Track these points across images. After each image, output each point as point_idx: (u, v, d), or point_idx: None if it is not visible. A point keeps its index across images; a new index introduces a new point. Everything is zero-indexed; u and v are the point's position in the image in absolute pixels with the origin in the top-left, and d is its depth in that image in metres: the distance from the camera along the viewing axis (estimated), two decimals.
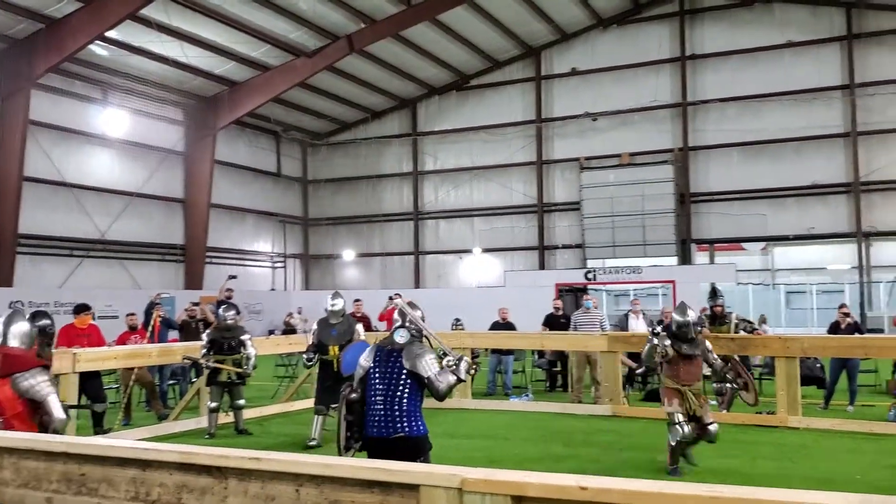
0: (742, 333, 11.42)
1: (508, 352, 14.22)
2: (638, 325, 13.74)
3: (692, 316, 8.12)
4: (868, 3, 26.38)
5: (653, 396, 13.29)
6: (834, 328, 12.70)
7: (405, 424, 5.20)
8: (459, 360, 5.50)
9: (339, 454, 5.43)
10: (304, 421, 11.18)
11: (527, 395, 13.49)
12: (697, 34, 29.33)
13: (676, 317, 8.08)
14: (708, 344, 8.25)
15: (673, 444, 7.90)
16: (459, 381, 5.43)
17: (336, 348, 9.66)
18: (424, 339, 5.60)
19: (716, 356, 8.30)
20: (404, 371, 5.28)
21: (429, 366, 5.28)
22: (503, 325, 14.58)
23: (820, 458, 8.72)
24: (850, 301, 26.08)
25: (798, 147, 27.39)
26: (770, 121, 27.61)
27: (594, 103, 30.24)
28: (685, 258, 29.03)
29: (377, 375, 5.34)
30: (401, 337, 5.42)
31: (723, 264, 28.27)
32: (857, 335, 12.29)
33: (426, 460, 5.16)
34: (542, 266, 31.03)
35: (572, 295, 25.41)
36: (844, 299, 26.47)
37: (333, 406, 9.52)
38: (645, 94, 29.45)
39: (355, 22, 26.13)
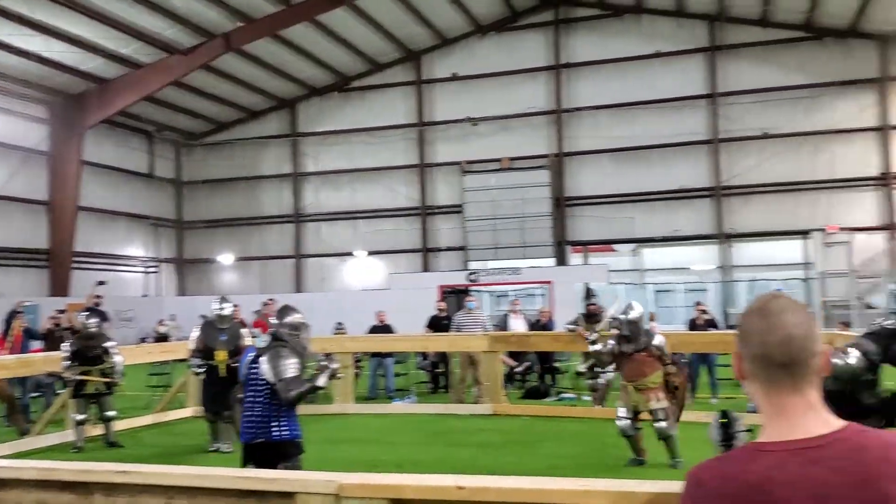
0: (613, 331, 11.82)
1: (388, 354, 14.22)
2: (517, 325, 14.04)
3: (636, 314, 8.26)
4: (728, 17, 27.96)
5: (532, 394, 13.67)
6: (692, 324, 13.43)
7: (266, 430, 5.20)
8: (325, 367, 5.49)
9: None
10: (180, 431, 10.84)
11: (410, 398, 13.55)
12: (571, 43, 30.27)
13: (621, 316, 8.28)
14: (659, 339, 8.27)
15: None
16: (316, 388, 5.43)
17: (224, 353, 9.48)
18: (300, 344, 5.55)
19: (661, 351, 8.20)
20: (262, 376, 5.28)
21: (282, 371, 5.20)
22: (381, 328, 14.59)
23: (686, 449, 9.14)
24: (713, 299, 27.58)
25: (665, 153, 28.71)
26: (639, 128, 28.81)
27: (475, 108, 30.70)
28: (561, 259, 29.91)
29: (248, 381, 5.38)
30: (262, 342, 5.44)
31: (596, 265, 29.28)
32: (713, 331, 13.02)
33: (293, 466, 5.09)
34: (425, 268, 31.23)
35: (456, 296, 25.70)
36: (708, 297, 27.90)
37: (226, 413, 9.38)
38: (523, 101, 30.16)
39: (232, 20, 25.51)
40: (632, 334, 8.17)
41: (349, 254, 32.32)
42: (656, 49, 29.04)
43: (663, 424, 7.96)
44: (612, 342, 8.34)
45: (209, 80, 29.09)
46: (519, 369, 14.52)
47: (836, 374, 4.92)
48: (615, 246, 31.12)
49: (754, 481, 1.52)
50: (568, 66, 30.19)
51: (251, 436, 5.26)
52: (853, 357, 4.85)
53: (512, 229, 29.88)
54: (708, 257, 29.31)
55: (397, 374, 14.85)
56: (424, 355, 15.18)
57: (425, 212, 31.60)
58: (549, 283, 26.89)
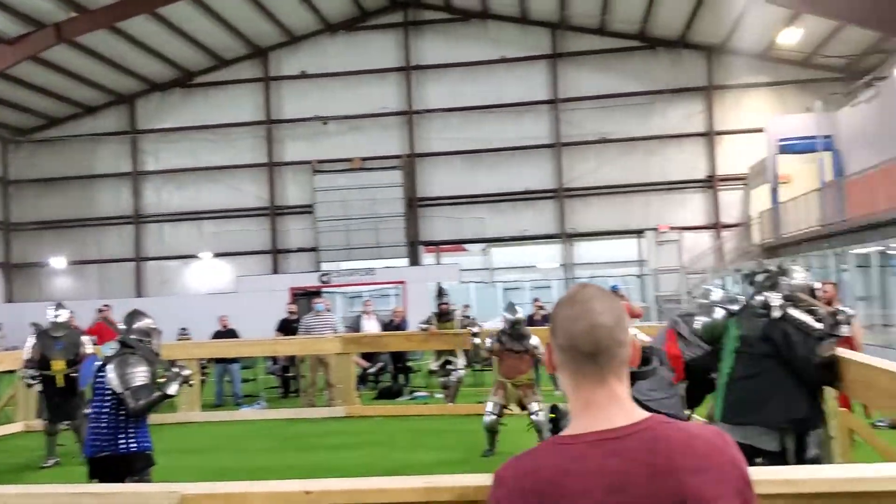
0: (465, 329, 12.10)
1: (234, 360, 13.85)
2: (370, 326, 14.06)
3: (519, 314, 8.56)
4: (568, 25, 29.17)
5: (385, 394, 13.73)
6: (530, 320, 13.98)
7: (112, 442, 4.96)
8: (175, 375, 5.28)
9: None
10: (7, 448, 10.12)
11: (259, 403, 13.27)
12: (421, 45, 30.62)
13: (508, 315, 8.55)
14: (535, 340, 8.56)
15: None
16: (166, 396, 5.22)
17: (62, 363, 8.96)
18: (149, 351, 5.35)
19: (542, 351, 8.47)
20: (108, 385, 5.04)
21: (128, 380, 4.97)
22: (225, 333, 14.20)
23: (533, 440, 9.50)
24: (556, 296, 28.59)
25: (512, 156, 29.60)
26: (488, 131, 29.55)
27: (325, 107, 30.43)
28: (414, 259, 30.20)
29: (94, 391, 5.16)
30: (109, 349, 5.19)
31: (448, 264, 29.78)
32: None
33: (141, 480, 4.87)
34: (275, 270, 30.64)
35: (308, 299, 25.38)
36: (552, 294, 29.03)
37: (66, 423, 8.91)
38: (374, 101, 30.20)
39: (65, 10, 24.00)
40: (522, 333, 8.52)
41: (194, 256, 31.19)
42: (502, 54, 29.87)
43: (541, 417, 8.33)
44: (490, 339, 8.67)
45: (39, 72, 27.22)
46: (372, 370, 14.54)
47: (706, 331, 5.38)
48: (466, 246, 31.76)
49: (549, 476, 1.49)
50: (418, 67, 30.51)
51: (97, 449, 4.99)
52: (719, 314, 5.43)
53: (365, 229, 29.86)
54: (552, 256, 30.49)
55: (245, 380, 14.51)
56: (274, 359, 14.91)
57: (275, 212, 31.00)
58: (402, 283, 27.10)
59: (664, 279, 28.34)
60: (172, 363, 5.53)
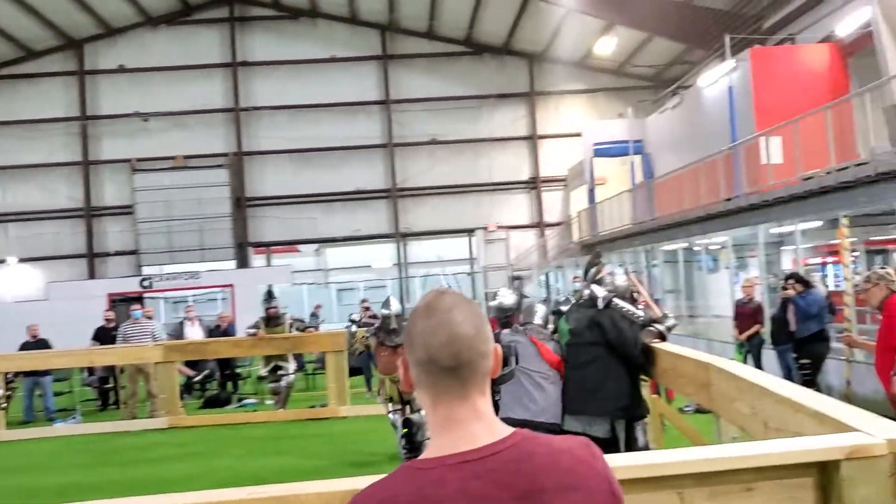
0: (295, 332, 11.97)
1: (46, 372, 12.93)
2: (193, 333, 13.56)
3: (395, 308, 8.28)
4: (398, 28, 29.48)
5: (212, 403, 13.31)
6: (357, 322, 14.04)
7: None
8: None
9: None
10: None
11: (74, 418, 12.47)
12: (248, 42, 29.88)
13: (382, 311, 8.34)
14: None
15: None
16: None
17: None
18: None
19: None
20: None
21: None
22: (34, 344, 13.20)
23: (366, 444, 9.53)
24: (391, 294, 28.74)
25: (343, 155, 29.50)
26: (318, 130, 29.27)
27: (145, 103, 29.01)
28: (243, 261, 29.40)
29: None
30: None
31: (279, 266, 29.24)
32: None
33: None
34: (91, 275, 28.83)
35: (128, 305, 24.10)
36: (387, 293, 29.15)
37: None
38: (198, 97, 29.11)
39: None
40: (399, 327, 8.24)
41: None
42: (332, 54, 29.71)
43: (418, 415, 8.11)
44: (367, 335, 8.55)
45: None
46: (197, 378, 14.05)
47: (615, 288, 5.59)
48: (299, 246, 31.32)
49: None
50: (245, 64, 29.75)
51: None
52: (620, 279, 5.74)
53: (189, 231, 28.70)
54: (386, 255, 30.68)
55: (59, 393, 13.59)
56: (91, 371, 14.05)
57: (90, 213, 29.20)
58: (230, 286, 26.28)
59: (493, 276, 29.27)
60: None
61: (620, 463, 2.39)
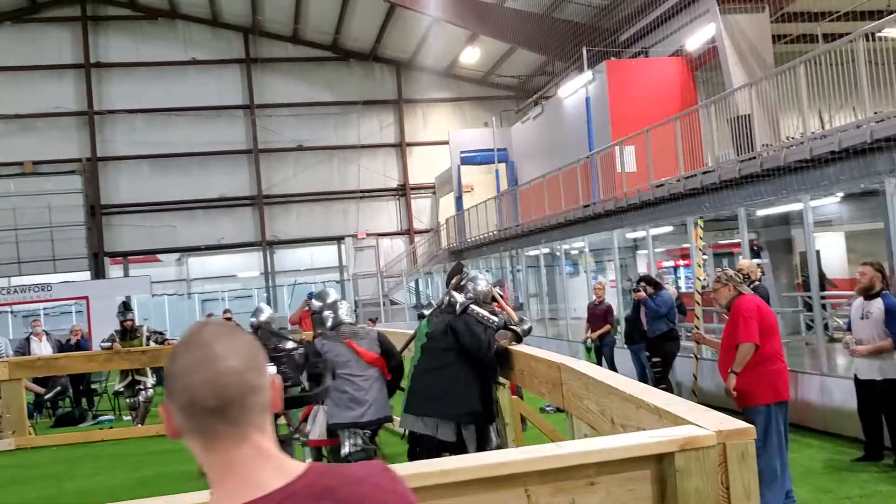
0: (153, 345, 11.52)
1: None
2: (42, 349, 12.79)
3: (266, 315, 7.75)
4: (262, 31, 28.93)
5: (65, 421, 12.61)
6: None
7: None
8: None
9: None
10: None
11: None
12: (102, 42, 28.53)
13: (252, 320, 7.74)
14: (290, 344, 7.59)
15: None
16: None
17: None
18: None
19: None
20: None
21: None
22: None
23: None
24: (256, 302, 28.19)
25: (205, 161, 28.64)
26: (178, 135, 28.30)
27: None
28: (99, 272, 27.99)
29: None
30: None
31: (137, 276, 28.00)
32: None
33: None
34: None
35: None
36: (254, 303, 28.53)
37: None
38: (48, 100, 27.54)
39: None
40: (273, 336, 7.67)
41: None
42: (192, 56, 28.84)
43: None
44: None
45: None
46: (48, 396, 13.25)
47: (475, 294, 5.61)
48: (160, 256, 30.14)
49: None
50: (99, 65, 28.39)
51: None
52: (481, 284, 5.80)
53: (39, 240, 27.07)
54: (252, 264, 29.99)
55: None
56: None
57: None
58: (85, 298, 24.92)
59: (364, 283, 29.17)
60: None
61: (467, 464, 2.46)
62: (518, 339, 5.57)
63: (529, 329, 5.81)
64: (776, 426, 5.41)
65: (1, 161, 27.12)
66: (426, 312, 6.02)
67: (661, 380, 9.56)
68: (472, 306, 5.56)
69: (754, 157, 11.10)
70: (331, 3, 25.97)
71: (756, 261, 11.09)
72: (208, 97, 28.68)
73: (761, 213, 11.85)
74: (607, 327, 11.48)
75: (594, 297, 11.86)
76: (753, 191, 10.73)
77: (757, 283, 8.43)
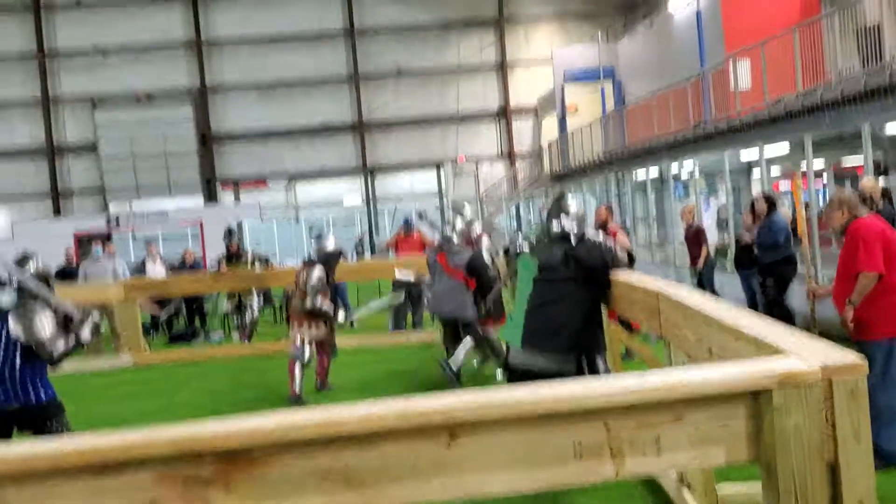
0: (258, 267, 11.83)
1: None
2: (156, 271, 13.36)
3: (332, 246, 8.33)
4: None
5: (178, 339, 13.23)
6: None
7: (21, 394, 4.82)
8: (84, 319, 5.01)
9: None
10: None
11: None
12: None
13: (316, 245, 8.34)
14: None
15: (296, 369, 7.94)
16: (79, 344, 4.97)
17: None
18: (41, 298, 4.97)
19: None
20: (13, 337, 4.79)
21: (41, 327, 4.78)
22: None
23: (348, 371, 9.47)
24: (360, 229, 28.69)
25: (308, 89, 28.88)
26: (282, 63, 28.64)
27: (104, 37, 28.13)
28: (211, 197, 29.02)
29: None
30: (7, 297, 4.88)
31: (248, 203, 28.89)
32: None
33: (60, 424, 4.90)
34: (57, 213, 28.37)
35: (98, 242, 23.80)
36: (356, 229, 28.99)
37: None
38: (158, 30, 28.32)
39: None
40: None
41: None
42: None
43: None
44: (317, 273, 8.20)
45: None
46: (162, 318, 13.90)
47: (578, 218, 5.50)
48: (268, 182, 30.93)
49: None
50: None
51: (5, 400, 4.79)
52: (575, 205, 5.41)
53: (155, 168, 28.23)
54: (355, 190, 30.37)
55: None
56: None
57: (53, 151, 28.53)
58: (199, 223, 25.98)
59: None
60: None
61: (543, 394, 2.30)
62: (631, 262, 5.34)
63: (633, 255, 5.55)
64: None
65: (117, 91, 28.14)
66: (525, 249, 5.75)
67: (775, 303, 8.99)
68: (588, 232, 5.32)
69: (882, 70, 10.19)
70: None
71: (881, 181, 10.26)
72: (310, 23, 28.75)
73: (890, 129, 10.93)
74: (704, 250, 10.97)
75: (684, 222, 11.40)
76: (880, 105, 9.88)
77: (880, 206, 7.74)
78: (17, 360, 4.82)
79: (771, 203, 9.50)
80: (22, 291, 4.94)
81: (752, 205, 9.67)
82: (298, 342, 8.07)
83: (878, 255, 4.96)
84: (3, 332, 4.84)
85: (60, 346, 4.87)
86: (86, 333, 5.03)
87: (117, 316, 11.78)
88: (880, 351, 4.88)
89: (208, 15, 28.81)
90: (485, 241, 8.10)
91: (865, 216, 5.22)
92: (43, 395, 4.90)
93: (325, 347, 8.34)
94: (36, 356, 4.86)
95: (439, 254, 8.19)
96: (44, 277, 5.15)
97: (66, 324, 5.02)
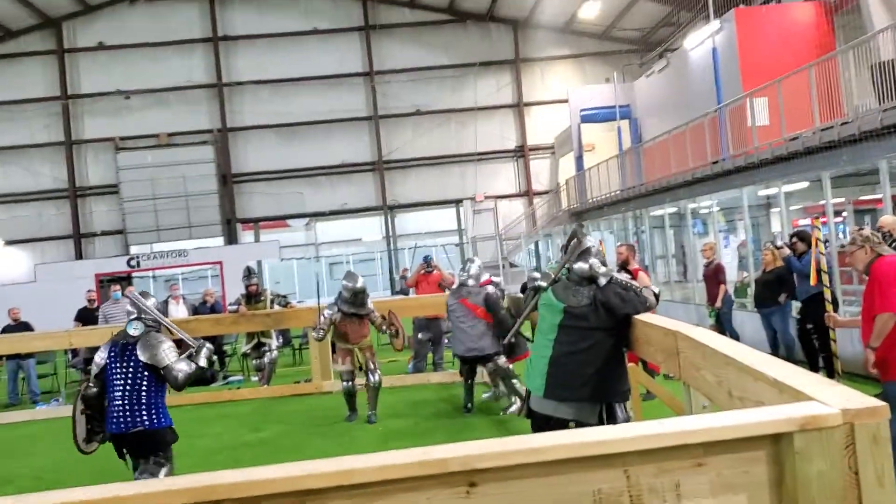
0: (277, 308, 11.84)
1: (28, 355, 12.81)
2: (177, 311, 13.43)
3: (361, 282, 9.07)
4: None
5: (196, 381, 13.19)
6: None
7: (144, 418, 5.25)
8: (200, 347, 5.68)
9: (79, 449, 5.52)
10: None
11: (56, 400, 12.37)
12: (228, 15, 29.45)
13: (349, 284, 9.00)
14: (371, 304, 9.20)
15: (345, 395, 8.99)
16: (200, 368, 5.60)
17: None
18: (162, 329, 5.65)
19: (377, 314, 9.18)
20: (141, 363, 5.29)
21: (167, 354, 5.35)
22: (15, 327, 13.09)
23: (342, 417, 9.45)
24: (381, 267, 28.77)
25: (328, 129, 29.23)
26: (302, 103, 28.99)
27: (127, 81, 28.68)
28: (231, 238, 29.25)
29: (115, 371, 5.34)
30: (134, 329, 5.39)
31: (267, 242, 29.09)
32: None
33: (167, 454, 5.38)
34: (79, 256, 28.67)
35: (119, 284, 23.98)
36: (377, 266, 29.09)
37: None
38: (180, 74, 28.81)
39: None
40: (362, 300, 9.07)
41: None
42: (314, 26, 29.34)
43: (377, 377, 8.99)
44: (329, 311, 9.01)
45: None
46: (183, 357, 13.94)
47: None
48: (289, 221, 31.16)
49: None
50: (226, 38, 29.36)
51: (128, 425, 5.24)
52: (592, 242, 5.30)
53: (176, 209, 28.56)
54: (375, 228, 30.53)
55: (43, 376, 13.48)
56: (75, 352, 13.92)
57: (75, 193, 28.96)
58: (219, 263, 26.14)
59: (482, 246, 29.15)
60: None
61: (562, 441, 2.28)
62: (656, 300, 5.23)
63: (659, 294, 5.42)
64: None
65: (138, 134, 28.62)
66: (543, 284, 5.61)
67: (823, 348, 8.77)
68: (615, 275, 5.15)
69: None
70: None
71: None
72: (329, 65, 29.18)
73: None
74: (723, 288, 10.89)
75: (704, 259, 11.35)
76: None
77: None
78: (144, 385, 5.31)
79: (808, 242, 9.39)
80: (146, 323, 5.51)
81: (792, 242, 9.54)
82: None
83: (894, 295, 4.89)
84: (132, 360, 5.33)
85: (184, 372, 5.39)
86: (202, 361, 5.66)
87: None
88: None
89: (229, 58, 29.33)
90: (490, 288, 8.84)
91: (888, 254, 5.19)
92: (163, 422, 5.38)
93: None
94: (161, 382, 5.39)
95: (460, 298, 8.71)
96: (160, 310, 5.83)
97: (185, 352, 5.64)
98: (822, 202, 11.54)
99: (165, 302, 14.15)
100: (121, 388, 5.30)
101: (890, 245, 7.41)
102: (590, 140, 25.07)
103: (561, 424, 4.83)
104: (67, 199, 28.97)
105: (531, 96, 29.82)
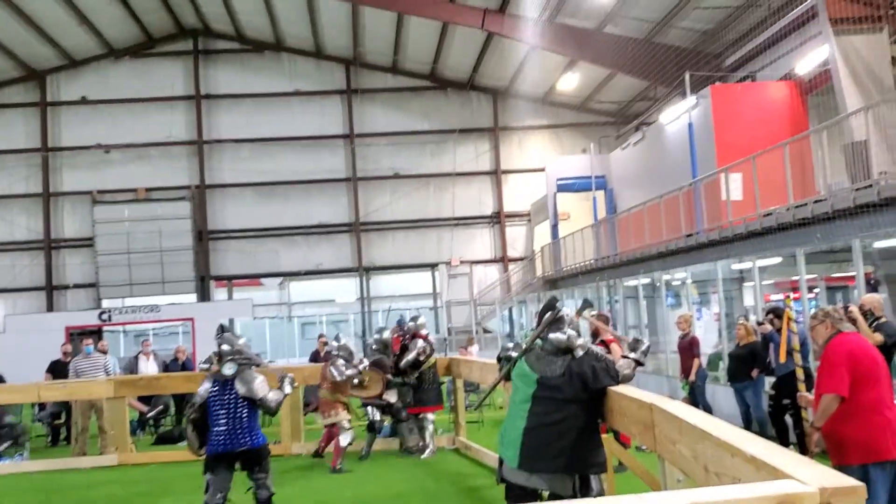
0: None
1: None
2: (148, 367, 13.25)
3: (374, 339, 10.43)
4: (362, 62, 29.55)
5: (165, 439, 12.97)
6: (314, 356, 13.87)
7: (248, 439, 6.54)
8: (283, 379, 6.95)
9: (195, 454, 6.93)
10: None
11: (21, 455, 12.04)
12: (212, 74, 29.77)
13: (379, 337, 10.69)
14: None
15: (343, 445, 9.78)
16: (286, 395, 6.89)
17: None
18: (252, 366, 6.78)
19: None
20: (240, 397, 6.52)
21: (260, 388, 6.58)
22: None
23: (312, 480, 9.30)
24: (353, 328, 28.68)
25: (307, 189, 29.37)
26: (281, 163, 29.16)
27: (107, 135, 28.75)
28: (204, 295, 29.00)
29: (216, 402, 6.61)
30: (229, 369, 6.60)
31: (240, 300, 28.87)
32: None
33: (267, 465, 6.75)
34: (50, 308, 28.25)
35: (89, 338, 23.59)
36: (350, 328, 28.95)
37: None
38: (160, 130, 28.94)
39: None
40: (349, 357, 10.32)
41: None
42: (296, 87, 29.73)
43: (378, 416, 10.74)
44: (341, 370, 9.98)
45: None
46: (151, 414, 13.69)
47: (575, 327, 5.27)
48: (262, 280, 31.01)
49: None
50: (208, 97, 29.63)
51: (235, 445, 6.50)
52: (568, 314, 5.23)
53: (150, 264, 28.35)
54: (349, 289, 30.45)
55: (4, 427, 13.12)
56: (42, 406, 13.63)
57: (50, 245, 28.69)
58: (191, 319, 25.84)
59: (456, 311, 29.15)
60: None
61: None
62: (639, 364, 5.23)
63: (648, 348, 5.38)
64: (879, 491, 4.67)
65: (117, 188, 28.58)
66: (513, 354, 5.60)
67: (798, 423, 8.77)
68: (591, 346, 5.15)
69: (871, 186, 10.47)
70: (429, 33, 26.29)
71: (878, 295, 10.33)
72: (311, 127, 29.48)
73: (878, 244, 11.13)
74: (696, 362, 10.94)
75: (679, 331, 11.39)
76: (869, 221, 10.09)
77: (882, 319, 7.76)
78: (245, 413, 6.53)
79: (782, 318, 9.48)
80: (238, 362, 6.64)
81: (770, 319, 9.59)
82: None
83: (840, 376, 4.86)
84: (233, 394, 6.53)
85: (276, 401, 6.69)
86: (288, 388, 6.92)
87: (105, 413, 11.62)
88: (854, 477, 4.78)
89: (211, 116, 29.55)
90: (420, 342, 10.39)
91: (848, 332, 5.18)
92: (261, 440, 6.66)
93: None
94: (256, 409, 6.64)
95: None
96: (247, 348, 6.85)
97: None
98: (795, 277, 11.75)
99: (136, 357, 13.99)
100: (224, 416, 6.53)
101: (871, 324, 7.54)
102: (565, 209, 25.39)
103: (534, 496, 4.79)
104: (42, 251, 28.67)
105: (509, 164, 30.26)
